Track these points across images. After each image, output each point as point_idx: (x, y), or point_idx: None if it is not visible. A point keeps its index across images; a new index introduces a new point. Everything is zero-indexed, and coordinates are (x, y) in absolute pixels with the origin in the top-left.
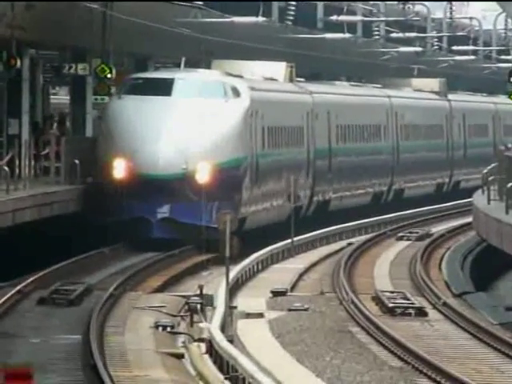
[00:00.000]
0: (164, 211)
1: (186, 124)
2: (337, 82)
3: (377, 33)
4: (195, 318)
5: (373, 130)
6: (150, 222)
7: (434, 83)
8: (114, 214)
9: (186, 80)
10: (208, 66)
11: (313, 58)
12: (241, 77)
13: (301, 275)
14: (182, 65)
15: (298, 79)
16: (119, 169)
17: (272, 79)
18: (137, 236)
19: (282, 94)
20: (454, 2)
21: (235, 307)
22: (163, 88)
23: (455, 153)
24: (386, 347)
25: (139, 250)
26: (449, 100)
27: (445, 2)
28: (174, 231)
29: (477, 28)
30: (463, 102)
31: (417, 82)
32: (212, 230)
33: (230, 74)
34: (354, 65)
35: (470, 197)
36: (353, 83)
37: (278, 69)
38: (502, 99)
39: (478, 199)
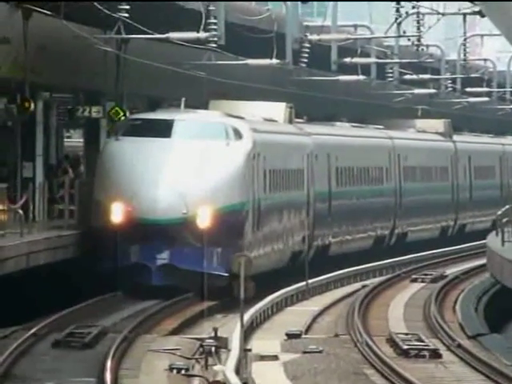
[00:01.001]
0: (163, 257)
1: (187, 167)
2: (337, 123)
3: (390, 75)
4: (210, 360)
5: (374, 173)
6: (149, 269)
7: (438, 124)
8: (112, 260)
9: (186, 121)
10: (205, 107)
11: (314, 100)
12: (241, 118)
13: (315, 317)
14: (182, 105)
15: (297, 120)
16: (117, 213)
17: (272, 120)
18: (135, 283)
19: (282, 135)
20: (468, 44)
21: (250, 350)
22: (162, 129)
23: (461, 195)
24: None
25: (137, 297)
26: (454, 141)
27: (459, 44)
28: (173, 278)
29: (491, 69)
30: (469, 143)
31: (421, 123)
32: (213, 277)
33: (231, 115)
34: (356, 106)
35: (475, 240)
36: (354, 124)
37: (278, 109)
38: (510, 140)
39: (492, 241)
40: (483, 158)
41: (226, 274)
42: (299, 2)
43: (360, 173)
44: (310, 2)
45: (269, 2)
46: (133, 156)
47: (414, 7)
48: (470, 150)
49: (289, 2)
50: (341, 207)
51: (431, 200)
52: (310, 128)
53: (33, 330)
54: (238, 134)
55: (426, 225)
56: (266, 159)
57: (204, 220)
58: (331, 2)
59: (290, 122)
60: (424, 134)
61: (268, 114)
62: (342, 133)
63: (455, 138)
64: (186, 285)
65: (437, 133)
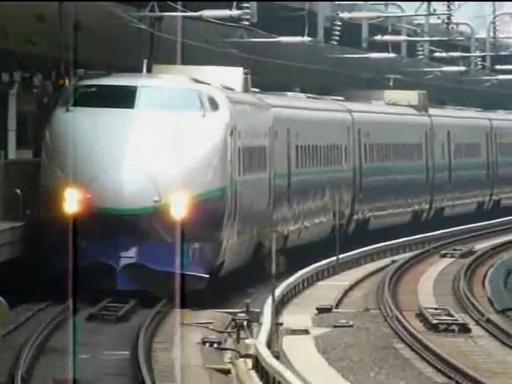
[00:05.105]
0: (130, 255)
1: (156, 144)
2: (289, 93)
3: (421, 52)
4: (242, 334)
5: (331, 151)
6: (113, 270)
7: (411, 96)
8: (66, 260)
9: (152, 88)
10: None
11: (265, 64)
12: (208, 84)
13: (346, 292)
14: (144, 69)
15: (253, 89)
16: (71, 202)
17: (229, 88)
18: (95, 287)
19: (251, 107)
20: (497, 23)
21: (281, 324)
22: (124, 98)
23: (437, 176)
24: (430, 363)
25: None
26: (429, 115)
27: (488, 22)
28: (142, 281)
29: None
30: (448, 117)
31: (391, 94)
32: (191, 279)
33: (199, 81)
34: (315, 74)
35: (456, 225)
36: (309, 95)
37: (235, 76)
38: (499, 115)
39: None
40: (466, 134)
41: (206, 276)
42: None
43: (316, 151)
44: None
45: None
46: (89, 131)
47: None
48: (449, 125)
49: None
50: (298, 192)
51: (399, 181)
52: (267, 98)
53: (67, 304)
54: (213, 104)
55: (392, 209)
56: (241, 135)
57: (179, 209)
58: None
59: (246, 90)
60: (393, 108)
61: (224, 81)
62: (300, 105)
63: (431, 111)
64: (158, 289)
65: (409, 106)
